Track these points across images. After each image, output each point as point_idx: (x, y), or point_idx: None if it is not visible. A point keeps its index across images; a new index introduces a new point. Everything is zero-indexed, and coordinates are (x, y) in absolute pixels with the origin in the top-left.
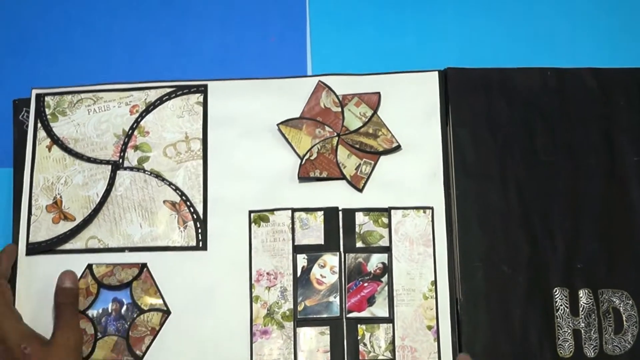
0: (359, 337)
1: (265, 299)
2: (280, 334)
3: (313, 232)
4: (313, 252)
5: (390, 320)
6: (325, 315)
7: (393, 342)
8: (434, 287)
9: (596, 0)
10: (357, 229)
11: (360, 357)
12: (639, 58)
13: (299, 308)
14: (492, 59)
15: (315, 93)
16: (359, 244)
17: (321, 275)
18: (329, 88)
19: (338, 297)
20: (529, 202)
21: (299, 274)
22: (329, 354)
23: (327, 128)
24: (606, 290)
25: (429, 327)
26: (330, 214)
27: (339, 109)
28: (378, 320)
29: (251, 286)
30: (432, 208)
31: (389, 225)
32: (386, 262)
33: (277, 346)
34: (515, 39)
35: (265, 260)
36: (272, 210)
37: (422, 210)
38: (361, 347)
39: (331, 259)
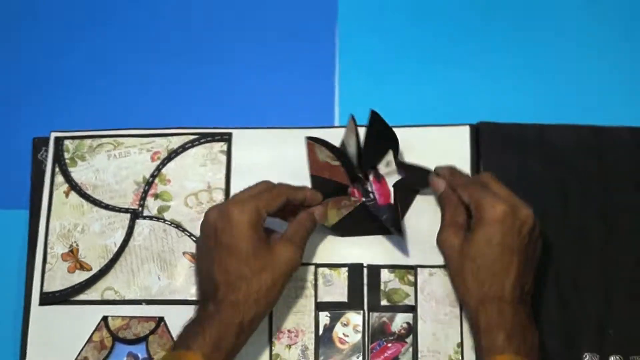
0: None
1: (286, 358)
2: None
3: (336, 289)
4: (336, 309)
5: None
6: None
7: None
8: (460, 349)
9: (633, 57)
10: (382, 287)
11: None
12: None
13: None
14: (524, 115)
15: (310, 153)
16: (383, 302)
17: (344, 334)
18: (319, 143)
19: (361, 358)
20: (561, 264)
21: (320, 332)
22: None
23: (352, 198)
24: (638, 358)
25: None
26: (354, 270)
27: (338, 162)
28: None
29: (271, 344)
30: None
31: (415, 284)
32: (411, 322)
33: None
34: (552, 94)
35: (286, 317)
36: None
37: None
38: None
39: (354, 318)
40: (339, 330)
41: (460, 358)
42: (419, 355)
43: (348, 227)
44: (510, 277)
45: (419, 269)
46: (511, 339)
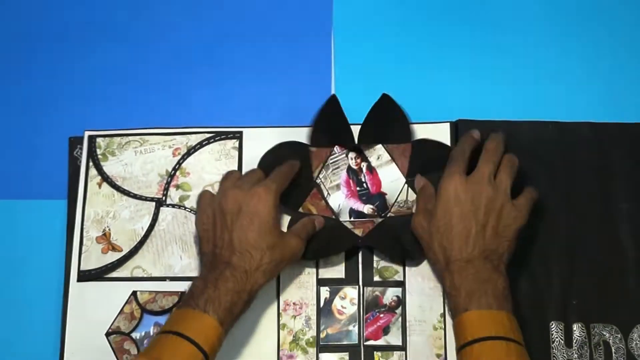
0: None
1: (291, 327)
2: (304, 359)
3: (335, 267)
4: (335, 285)
5: (403, 348)
6: (345, 343)
7: None
8: (442, 318)
9: (594, 61)
10: (374, 264)
11: None
12: (632, 113)
13: (322, 335)
14: (499, 112)
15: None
16: (376, 278)
17: (342, 306)
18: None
19: (357, 327)
20: (528, 245)
21: (322, 304)
22: None
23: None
24: (597, 325)
25: (438, 355)
26: (351, 250)
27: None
28: (392, 348)
29: (279, 315)
30: None
31: (403, 262)
32: (400, 295)
33: None
34: (521, 94)
35: (292, 291)
36: None
37: None
38: None
39: (351, 292)
40: (337, 303)
41: (443, 326)
42: (407, 325)
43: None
44: (468, 239)
45: None
46: (472, 295)
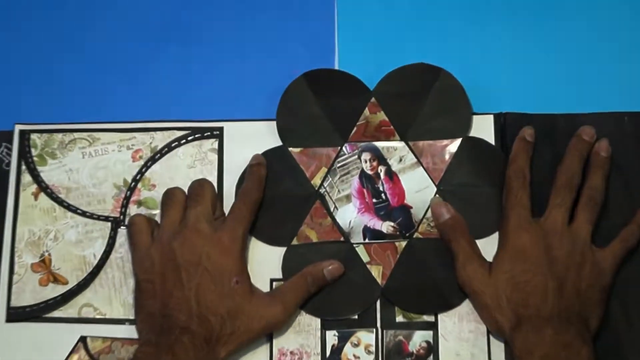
0: None
1: None
2: None
3: None
4: (345, 328)
5: None
6: None
7: None
8: None
9: None
10: None
11: None
12: None
13: None
14: (555, 104)
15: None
16: (399, 319)
17: (354, 355)
18: None
19: None
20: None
21: (328, 354)
22: None
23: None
24: None
25: None
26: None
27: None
28: None
29: None
30: None
31: None
32: (431, 340)
33: None
34: (583, 80)
35: (288, 336)
36: None
37: None
38: None
39: (366, 337)
40: (348, 352)
41: None
42: None
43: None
44: (546, 295)
45: None
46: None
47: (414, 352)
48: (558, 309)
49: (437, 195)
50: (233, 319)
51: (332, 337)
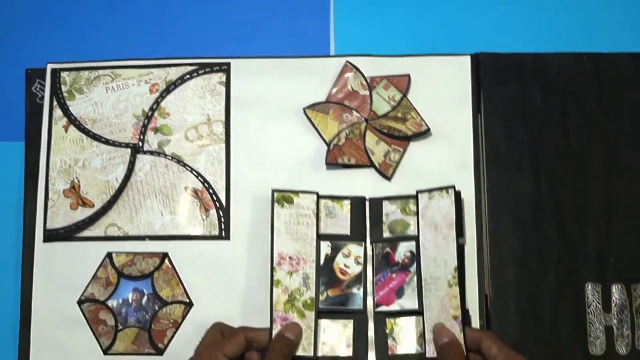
0: (387, 331)
1: (287, 285)
2: (301, 323)
3: (339, 222)
4: (338, 240)
5: (419, 312)
6: (348, 307)
7: (423, 334)
8: (456, 273)
9: None
10: (384, 219)
11: (389, 352)
12: None
13: (321, 297)
14: (525, 44)
15: (342, 74)
16: (386, 234)
17: (345, 265)
18: (357, 69)
19: (361, 289)
20: (561, 194)
21: (322, 261)
22: (351, 348)
23: (354, 113)
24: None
25: (455, 317)
26: (357, 203)
27: (367, 92)
28: (408, 313)
29: (272, 269)
30: (453, 187)
31: (417, 211)
32: (414, 250)
33: None
34: (549, 23)
35: (287, 243)
36: (297, 192)
37: (445, 191)
38: (390, 342)
39: (356, 249)
40: (340, 261)
41: (457, 282)
42: (423, 284)
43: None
44: None
45: (419, 195)
46: None
47: (399, 261)
48: None
49: (441, 325)
50: None
51: (326, 247)
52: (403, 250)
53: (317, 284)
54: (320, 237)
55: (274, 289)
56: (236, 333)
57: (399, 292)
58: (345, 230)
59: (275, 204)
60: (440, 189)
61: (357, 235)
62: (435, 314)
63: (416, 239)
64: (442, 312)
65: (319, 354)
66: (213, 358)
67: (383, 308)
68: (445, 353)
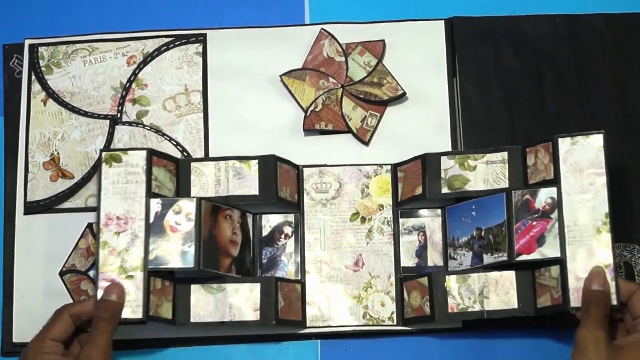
0: (448, 289)
1: (114, 245)
2: (129, 285)
3: (247, 182)
4: (241, 202)
5: (561, 260)
6: (178, 266)
7: (565, 283)
8: (607, 219)
9: None
10: (442, 174)
11: (449, 310)
12: None
13: (150, 257)
14: (498, 7)
15: (318, 42)
16: (444, 190)
17: (176, 222)
18: (332, 36)
19: (193, 246)
20: None
21: (151, 220)
22: (258, 312)
23: (331, 79)
24: (617, 245)
25: (606, 266)
26: (266, 162)
27: (343, 59)
28: (549, 263)
29: (99, 231)
30: (603, 132)
31: (556, 157)
32: (555, 196)
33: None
34: None
35: (116, 203)
36: (125, 150)
37: (591, 136)
38: (450, 300)
39: (187, 205)
40: (170, 218)
41: (610, 228)
42: (566, 230)
43: None
44: None
45: (559, 140)
46: None
47: (540, 208)
48: None
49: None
50: None
51: (155, 204)
52: (543, 197)
53: (147, 243)
54: (149, 194)
55: (100, 251)
56: (59, 312)
57: (540, 240)
58: (254, 190)
59: (103, 164)
60: (585, 134)
61: (266, 195)
62: (579, 262)
63: (557, 185)
64: (587, 261)
65: (226, 319)
66: (39, 347)
67: (524, 257)
68: (586, 303)
